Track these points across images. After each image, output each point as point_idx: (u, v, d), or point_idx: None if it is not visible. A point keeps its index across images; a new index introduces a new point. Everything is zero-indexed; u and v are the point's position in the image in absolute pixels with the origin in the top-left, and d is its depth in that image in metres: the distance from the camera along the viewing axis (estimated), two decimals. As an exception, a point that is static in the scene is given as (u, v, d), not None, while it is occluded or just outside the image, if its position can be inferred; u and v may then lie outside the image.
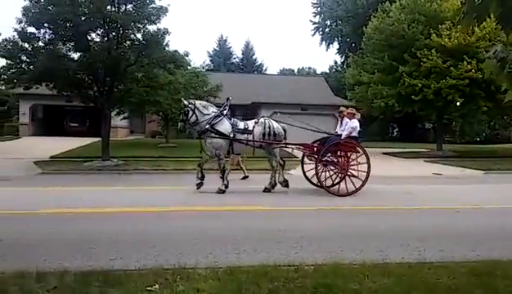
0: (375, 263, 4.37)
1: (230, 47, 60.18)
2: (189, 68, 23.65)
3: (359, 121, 10.10)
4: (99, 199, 8.65)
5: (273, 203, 8.19)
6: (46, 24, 14.46)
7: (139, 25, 15.32)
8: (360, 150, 9.71)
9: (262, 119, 10.16)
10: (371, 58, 22.79)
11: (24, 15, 14.22)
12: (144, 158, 17.08)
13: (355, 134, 9.82)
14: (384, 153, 22.45)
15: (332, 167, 9.94)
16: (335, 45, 53.00)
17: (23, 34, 14.59)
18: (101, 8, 14.02)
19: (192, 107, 9.82)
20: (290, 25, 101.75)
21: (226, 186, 9.52)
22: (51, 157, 17.50)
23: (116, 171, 14.38)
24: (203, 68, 33.79)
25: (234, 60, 60.42)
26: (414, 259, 4.66)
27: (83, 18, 14.24)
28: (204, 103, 10.30)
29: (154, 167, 14.86)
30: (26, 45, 14.81)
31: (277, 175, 9.94)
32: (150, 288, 3.46)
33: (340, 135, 10.00)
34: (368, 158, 9.63)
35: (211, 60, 57.55)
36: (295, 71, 64.09)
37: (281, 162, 10.10)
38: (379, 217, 7.32)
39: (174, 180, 12.17)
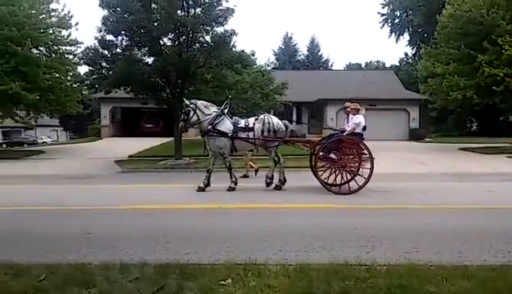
0: (454, 265, 4.13)
1: (295, 45, 60.04)
2: (255, 67, 23.94)
3: (364, 117, 9.66)
4: (173, 196, 9.10)
5: (343, 201, 8.04)
6: (123, 32, 15.48)
7: (207, 28, 15.85)
8: (363, 147, 9.36)
9: (262, 116, 10.11)
10: (446, 48, 21.40)
11: (103, 24, 15.34)
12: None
13: (359, 130, 9.46)
14: (461, 149, 21.07)
15: (331, 164, 9.49)
16: (406, 36, 50.84)
17: (103, 42, 15.75)
18: (172, 13, 14.70)
19: (194, 107, 9.89)
20: (357, 19, 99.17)
21: (235, 183, 9.68)
22: (130, 156, 18.68)
23: (188, 169, 15.00)
24: (268, 66, 33.96)
25: (299, 58, 60.13)
26: (497, 261, 4.34)
27: (155, 24, 15.05)
28: (205, 103, 10.26)
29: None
30: (106, 52, 15.98)
31: (278, 172, 9.82)
32: (223, 282, 3.58)
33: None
34: (371, 156, 9.27)
35: (276, 59, 57.78)
36: (363, 65, 62.23)
37: (276, 158, 9.97)
38: (457, 216, 6.88)
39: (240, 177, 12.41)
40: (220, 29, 15.95)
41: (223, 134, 9.72)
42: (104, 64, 16.16)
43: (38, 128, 42.25)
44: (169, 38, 16.36)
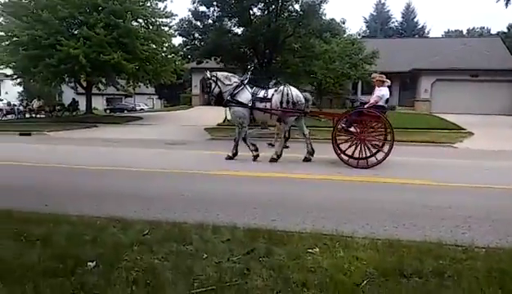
0: None
1: (388, 11, 56.59)
2: (344, 36, 23.09)
3: (389, 88, 9.25)
4: (259, 164, 9.33)
5: (438, 179, 7.59)
6: (214, 3, 15.87)
7: (296, -5, 15.60)
8: (383, 121, 8.93)
9: (281, 87, 9.81)
10: None
11: (196, -5, 15.87)
12: (296, 127, 17.57)
13: (382, 103, 9.11)
14: None
15: (351, 137, 9.19)
16: (518, -2, 44.83)
17: (196, 13, 16.33)
18: (262, -18, 14.69)
19: (215, 79, 10.00)
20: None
21: (256, 151, 9.74)
22: (218, 124, 19.42)
23: (272, 138, 15.18)
24: (359, 35, 32.50)
25: (392, 25, 56.66)
26: None
27: (245, -7, 15.17)
28: (225, 74, 10.24)
29: (299, 134, 15.17)
30: (198, 23, 16.58)
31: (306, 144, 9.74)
32: (310, 250, 3.64)
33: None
34: (392, 129, 8.84)
35: (367, 26, 55.11)
36: (464, 32, 56.71)
37: (287, 135, 9.83)
38: None
39: (324, 149, 12.28)
40: (310, -3, 15.61)
41: (241, 104, 9.73)
42: (196, 35, 16.82)
43: (136, 96, 45.51)
44: (259, 8, 16.44)
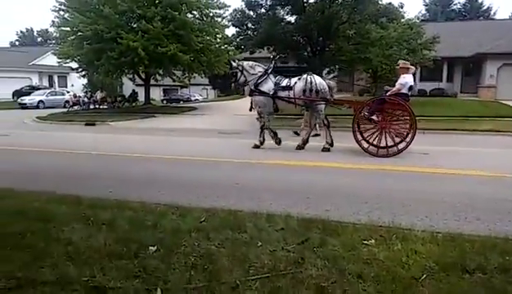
0: None
1: (450, -8, 53.30)
2: (402, 20, 22.09)
3: (413, 75, 8.57)
4: (310, 154, 9.26)
5: (505, 170, 7.13)
6: (268, -9, 15.82)
7: (352, -20, 15.15)
8: (406, 109, 8.68)
9: (305, 75, 9.74)
10: None
11: (250, -16, 15.91)
12: (352, 115, 17.18)
13: (404, 91, 8.87)
14: None
15: (374, 126, 9.00)
16: None
17: (249, 3, 16.39)
18: (315, -32, 14.42)
19: (241, 68, 10.07)
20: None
21: (262, 143, 9.97)
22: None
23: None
24: (418, 19, 30.96)
25: (454, 7, 53.48)
26: None
27: (298, -19, 14.97)
28: (250, 63, 10.30)
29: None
30: (251, 13, 16.61)
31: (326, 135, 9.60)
32: (366, 242, 3.58)
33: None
34: (414, 118, 8.64)
35: (427, 9, 52.44)
36: (537, 12, 52.20)
37: (326, 121, 9.74)
38: None
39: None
40: (365, -19, 15.11)
41: (264, 93, 9.80)
42: (249, 25, 16.92)
43: (191, 87, 46.66)
44: (312, -5, 16.19)
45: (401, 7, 17.60)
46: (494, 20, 43.55)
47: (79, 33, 22.46)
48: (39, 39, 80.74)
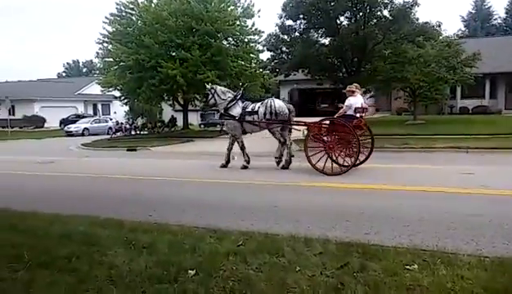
0: None
1: (489, 7, 51.98)
2: (440, 38, 21.65)
3: (363, 96, 9.49)
4: (352, 175, 9.10)
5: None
6: (301, 16, 16.03)
7: (386, 1, 15.08)
8: (349, 130, 9.15)
9: (266, 100, 10.64)
10: None
11: (283, 10, 16.20)
12: (391, 135, 16.85)
13: (350, 112, 9.40)
14: None
15: (320, 145, 9.51)
16: None
17: (283, 28, 16.67)
18: (349, -10, 14.51)
19: (213, 91, 10.99)
20: None
21: (248, 162, 10.58)
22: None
23: (364, 149, 14.71)
24: (457, 36, 30.24)
25: (494, 22, 51.84)
26: None
27: (332, 3, 15.07)
28: (223, 89, 11.28)
29: (401, 144, 14.49)
30: (285, 37, 16.86)
31: (285, 150, 10.22)
32: (408, 267, 3.46)
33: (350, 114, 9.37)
34: (356, 139, 9.15)
35: (465, 26, 51.17)
36: None
37: (282, 139, 10.32)
38: None
39: (422, 158, 11.58)
40: (399, 1, 14.99)
41: (232, 117, 10.61)
42: (284, 48, 17.12)
43: (227, 111, 47.34)
44: (346, 17, 16.23)
45: (439, 26, 17.18)
46: (539, 34, 41.84)
47: (122, 63, 23.59)
48: (84, 70, 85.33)
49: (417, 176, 8.70)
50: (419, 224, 5.07)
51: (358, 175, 9.14)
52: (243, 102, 10.92)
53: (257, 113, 10.47)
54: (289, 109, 10.53)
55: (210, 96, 11.14)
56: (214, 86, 11.36)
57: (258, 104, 10.70)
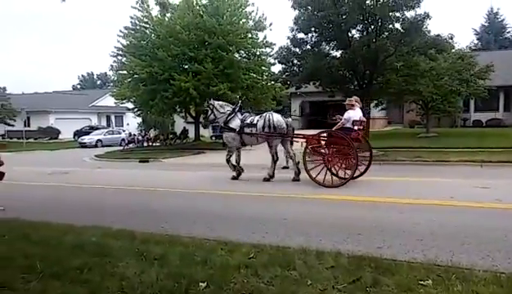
0: None
1: (502, 20, 51.62)
2: (453, 51, 21.53)
3: (361, 110, 9.82)
4: (363, 188, 9.03)
5: None
6: (313, 29, 16.07)
7: (397, 14, 15.06)
8: (347, 142, 9.20)
9: (265, 113, 10.88)
10: None
11: (295, 23, 16.27)
12: (403, 148, 16.69)
13: (348, 125, 9.49)
14: None
15: (319, 158, 9.71)
16: None
17: (294, 41, 16.72)
18: (361, 4, 14.53)
19: (211, 107, 11.35)
20: None
21: (239, 174, 10.98)
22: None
23: (377, 162, 14.61)
24: (470, 49, 30.05)
25: (508, 35, 51.42)
26: None
27: (343, 17, 15.09)
28: (221, 103, 11.62)
29: (414, 157, 14.33)
30: (297, 49, 16.91)
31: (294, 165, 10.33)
32: (422, 282, 3.41)
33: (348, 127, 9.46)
34: (355, 152, 9.24)
35: (478, 38, 50.80)
36: None
37: (275, 157, 10.58)
38: None
39: (435, 172, 11.43)
40: (411, 14, 14.94)
41: (232, 130, 10.87)
42: (295, 61, 17.13)
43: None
44: (357, 30, 16.21)
45: (451, 38, 17.06)
46: (554, 46, 41.35)
47: (135, 76, 23.91)
48: (98, 82, 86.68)
49: (430, 190, 8.59)
50: (433, 239, 5.00)
51: (369, 187, 9.07)
52: (242, 114, 11.19)
53: (255, 126, 10.68)
54: (286, 124, 10.72)
55: (209, 112, 11.49)
56: (212, 102, 11.63)
57: (257, 117, 10.91)
